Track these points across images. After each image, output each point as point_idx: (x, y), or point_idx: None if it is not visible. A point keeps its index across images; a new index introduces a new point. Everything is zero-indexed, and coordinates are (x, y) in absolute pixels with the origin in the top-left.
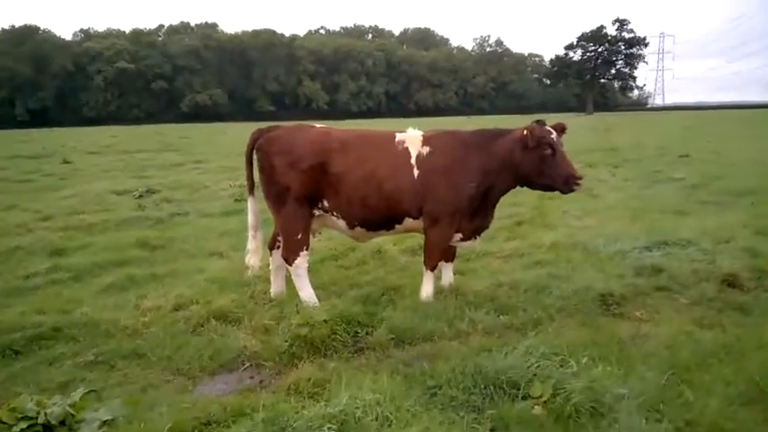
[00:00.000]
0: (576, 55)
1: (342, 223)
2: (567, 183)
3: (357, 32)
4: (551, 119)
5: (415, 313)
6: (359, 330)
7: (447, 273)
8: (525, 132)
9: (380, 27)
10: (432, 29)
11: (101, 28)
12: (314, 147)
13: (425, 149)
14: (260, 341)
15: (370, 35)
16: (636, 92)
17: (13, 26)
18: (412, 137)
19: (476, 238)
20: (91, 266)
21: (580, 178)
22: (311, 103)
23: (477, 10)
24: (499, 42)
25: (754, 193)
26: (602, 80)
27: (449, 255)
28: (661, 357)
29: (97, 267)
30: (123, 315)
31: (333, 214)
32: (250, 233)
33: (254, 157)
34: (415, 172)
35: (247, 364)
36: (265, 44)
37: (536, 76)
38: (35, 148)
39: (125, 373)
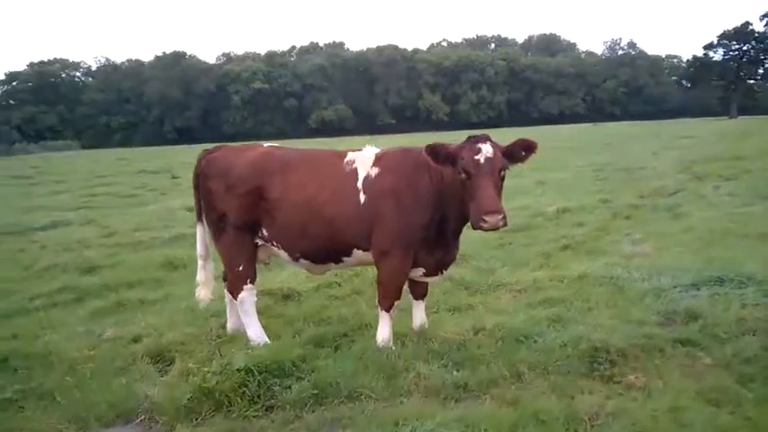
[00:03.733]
0: (718, 55)
1: (284, 254)
2: (476, 217)
3: (479, 42)
4: (691, 124)
5: (356, 363)
6: (277, 382)
7: (417, 313)
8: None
9: (503, 36)
10: (558, 34)
11: (240, 51)
12: (251, 169)
13: (374, 170)
14: (163, 391)
15: (493, 44)
16: None
17: (164, 53)
18: (363, 156)
19: (441, 273)
20: (99, 288)
21: (491, 213)
22: (431, 114)
23: (608, 12)
24: (632, 44)
25: None
26: (749, 81)
27: (419, 291)
28: None
29: (105, 289)
30: (76, 346)
31: (273, 244)
32: (199, 263)
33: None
34: (362, 197)
35: (141, 417)
36: (388, 60)
37: (674, 78)
38: (159, 164)
39: (25, 416)
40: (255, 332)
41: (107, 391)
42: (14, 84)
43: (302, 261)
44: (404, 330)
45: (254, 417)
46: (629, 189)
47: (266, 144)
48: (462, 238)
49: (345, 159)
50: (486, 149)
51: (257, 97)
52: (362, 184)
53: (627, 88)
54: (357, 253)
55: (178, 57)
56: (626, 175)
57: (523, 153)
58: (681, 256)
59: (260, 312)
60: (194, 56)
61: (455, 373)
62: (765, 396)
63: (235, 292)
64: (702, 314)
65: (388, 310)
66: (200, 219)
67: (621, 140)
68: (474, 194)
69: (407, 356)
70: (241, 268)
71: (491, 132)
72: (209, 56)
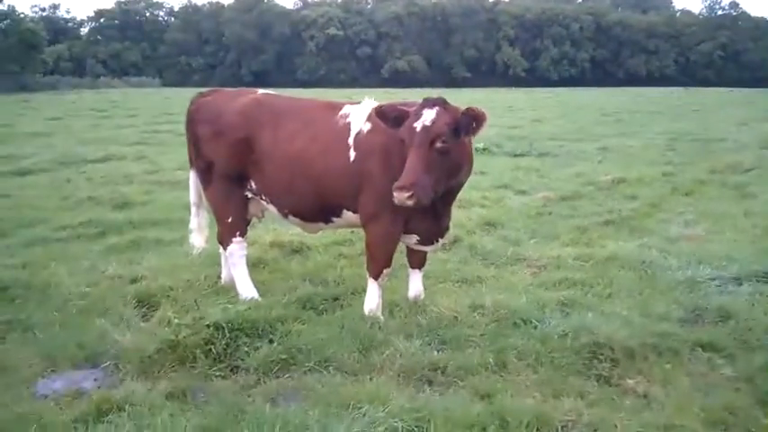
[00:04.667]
0: None
1: (273, 209)
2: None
3: None
4: None
5: (333, 330)
6: (247, 342)
7: (413, 283)
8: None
9: None
10: None
11: None
12: (240, 117)
13: (366, 126)
14: (132, 338)
15: None
16: None
17: None
18: (358, 109)
19: (437, 241)
20: (123, 224)
21: (398, 189)
22: (508, 69)
23: None
24: (734, 4)
25: None
26: None
27: (416, 260)
28: None
29: (129, 225)
30: (76, 281)
31: (262, 198)
32: (192, 210)
33: None
34: (351, 153)
35: (108, 363)
36: (466, 10)
37: None
38: None
39: (6, 348)
40: (244, 287)
41: (82, 332)
42: (102, 20)
43: (291, 218)
44: (398, 300)
45: (216, 376)
46: (700, 162)
47: (260, 91)
48: (500, 204)
49: (340, 112)
50: (427, 116)
51: (331, 44)
52: (353, 141)
53: (724, 52)
54: (347, 214)
55: (257, 0)
56: (701, 147)
57: (474, 125)
58: (733, 243)
59: (263, 265)
60: (272, 0)
61: (435, 353)
62: None
63: (224, 244)
64: (736, 314)
65: (376, 278)
66: (192, 165)
67: (709, 108)
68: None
69: (391, 329)
70: (230, 220)
71: (571, 91)
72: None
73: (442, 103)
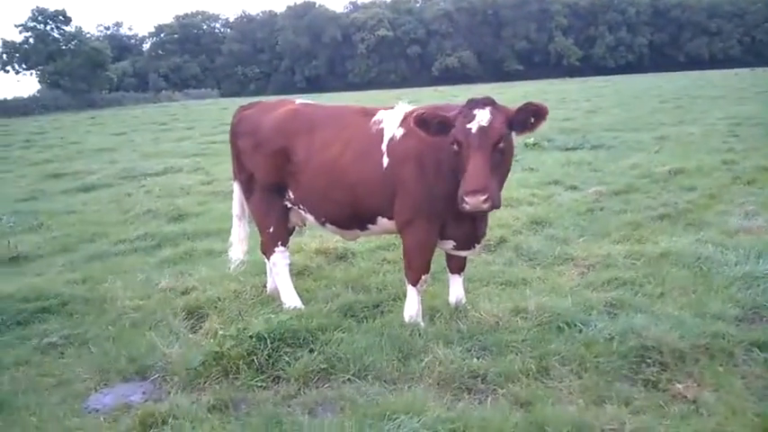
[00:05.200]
0: None
1: (311, 218)
2: (459, 195)
3: None
4: None
5: (373, 338)
6: (289, 352)
7: (453, 287)
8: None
9: None
10: None
11: None
12: (276, 129)
13: (399, 131)
14: (180, 350)
15: None
16: None
17: (296, 3)
18: (392, 114)
19: (474, 246)
20: (177, 236)
21: (471, 193)
22: (562, 59)
23: None
24: None
25: None
26: None
27: (456, 265)
28: None
29: (183, 237)
30: (131, 294)
31: (300, 207)
32: (234, 221)
33: None
34: (385, 160)
35: (156, 375)
36: (517, 1)
37: None
38: None
39: (60, 362)
40: (287, 296)
41: (133, 345)
42: (162, 35)
43: (329, 226)
44: (439, 305)
45: (258, 387)
46: (764, 148)
47: (298, 101)
48: (549, 201)
49: (373, 118)
50: (482, 117)
51: (381, 45)
52: (387, 147)
53: None
54: (382, 221)
55: (308, 6)
56: (766, 131)
57: (533, 120)
58: None
59: (308, 273)
60: (323, 5)
61: (475, 360)
62: None
63: (267, 254)
64: None
65: (414, 284)
66: (235, 177)
67: None
68: (463, 170)
69: (430, 336)
70: (271, 230)
71: (628, 78)
72: (337, 5)
73: (491, 102)
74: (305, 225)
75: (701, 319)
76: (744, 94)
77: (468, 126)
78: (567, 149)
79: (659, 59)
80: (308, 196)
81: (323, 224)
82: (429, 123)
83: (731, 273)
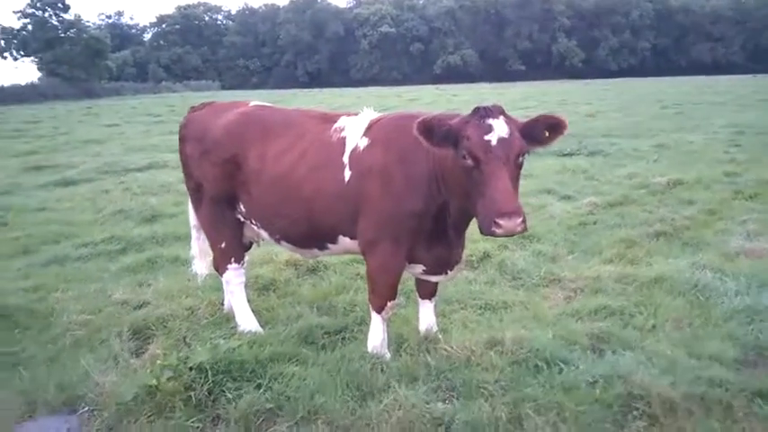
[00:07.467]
0: None
1: (264, 234)
2: (487, 219)
3: None
4: None
5: (328, 373)
6: (232, 388)
7: (423, 314)
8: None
9: None
10: None
11: None
12: (226, 134)
13: (363, 141)
14: (112, 381)
15: None
16: None
17: None
18: (356, 122)
19: (446, 273)
20: (145, 240)
21: (507, 215)
22: (564, 61)
23: None
24: None
25: None
26: None
27: (426, 291)
28: None
29: (151, 241)
30: (80, 307)
31: (252, 222)
32: (193, 233)
33: None
34: (347, 173)
35: (85, 409)
36: (521, 1)
37: None
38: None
39: None
40: (243, 318)
41: (68, 370)
42: (164, 26)
43: (284, 243)
44: (408, 333)
45: (194, 428)
46: (767, 159)
47: (252, 103)
48: (540, 212)
49: (334, 125)
50: (500, 128)
51: (384, 42)
52: (349, 158)
53: None
54: (344, 240)
55: (311, 1)
56: None
57: (547, 134)
58: None
59: (274, 288)
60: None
61: (440, 405)
62: None
63: (220, 271)
64: None
65: (379, 312)
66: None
67: None
68: (484, 188)
69: (394, 372)
70: (223, 245)
71: (630, 82)
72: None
73: (501, 110)
74: (261, 241)
75: (696, 360)
76: (746, 101)
77: (487, 138)
78: (563, 155)
79: (662, 64)
80: (260, 210)
81: (278, 241)
82: (434, 131)
83: (731, 305)
